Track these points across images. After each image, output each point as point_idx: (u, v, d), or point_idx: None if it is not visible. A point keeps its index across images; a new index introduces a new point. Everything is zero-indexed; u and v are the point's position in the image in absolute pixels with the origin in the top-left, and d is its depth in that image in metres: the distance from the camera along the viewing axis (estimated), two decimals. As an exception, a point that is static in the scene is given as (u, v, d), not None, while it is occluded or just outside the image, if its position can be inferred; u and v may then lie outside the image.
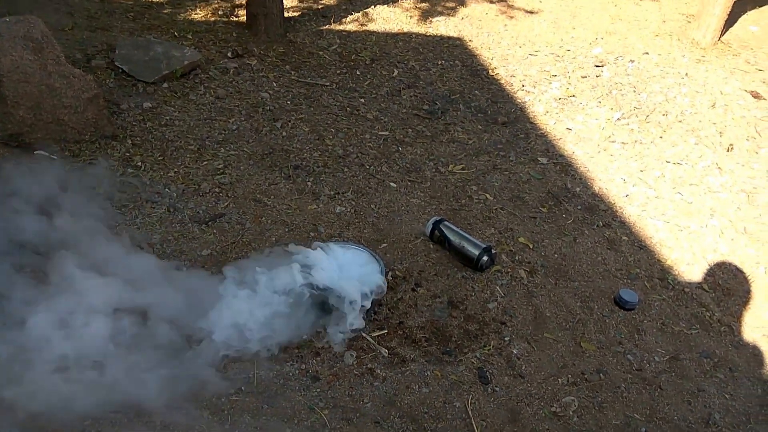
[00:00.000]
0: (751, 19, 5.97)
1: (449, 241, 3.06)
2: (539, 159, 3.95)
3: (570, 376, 2.60)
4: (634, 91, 4.73)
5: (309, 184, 3.42)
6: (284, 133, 3.79)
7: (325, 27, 5.09)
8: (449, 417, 2.35)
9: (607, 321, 2.90)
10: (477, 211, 3.44)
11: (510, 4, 5.88)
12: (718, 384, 2.69)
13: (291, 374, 2.39)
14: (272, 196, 3.27)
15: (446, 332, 2.70)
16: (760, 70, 5.15)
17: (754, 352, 2.88)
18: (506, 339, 2.71)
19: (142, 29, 4.43)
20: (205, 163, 3.40)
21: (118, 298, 2.40)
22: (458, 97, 4.52)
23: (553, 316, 2.87)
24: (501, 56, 5.09)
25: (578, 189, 3.73)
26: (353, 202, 3.34)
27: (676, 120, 4.45)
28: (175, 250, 2.81)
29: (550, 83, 4.77)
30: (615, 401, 2.54)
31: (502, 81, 4.78)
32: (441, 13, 5.58)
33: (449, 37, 5.27)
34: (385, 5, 5.54)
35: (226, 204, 3.15)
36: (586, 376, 2.61)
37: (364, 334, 2.61)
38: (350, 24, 5.21)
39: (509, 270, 3.07)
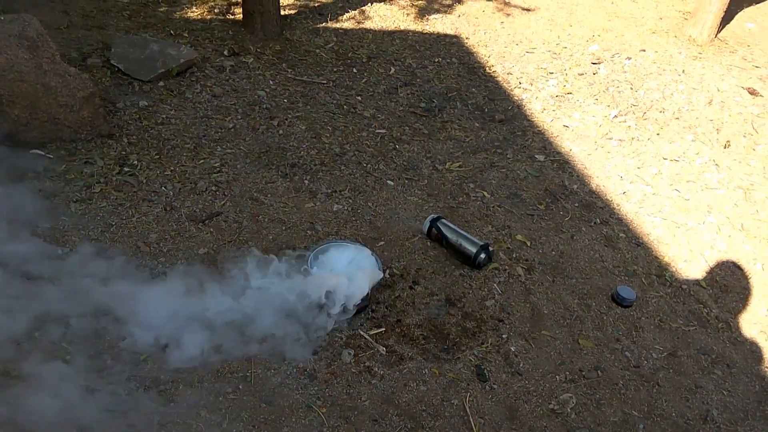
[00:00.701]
0: (747, 15, 5.98)
1: (447, 239, 3.05)
2: (536, 156, 3.95)
3: (568, 373, 2.60)
4: (631, 89, 4.73)
5: (306, 182, 3.41)
6: (281, 132, 3.78)
7: (321, 25, 5.07)
8: (447, 415, 2.35)
9: (605, 318, 2.90)
10: (474, 208, 3.44)
11: (506, 1, 5.88)
12: (715, 380, 2.70)
13: (288, 372, 2.39)
14: (269, 195, 3.26)
15: (444, 330, 2.69)
16: (756, 66, 5.16)
17: (752, 348, 2.88)
18: (504, 336, 2.71)
19: (138, 27, 4.41)
20: (202, 161, 3.39)
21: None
22: (455, 94, 4.51)
23: (550, 313, 2.87)
24: (498, 54, 5.08)
25: (575, 186, 3.72)
26: (350, 200, 3.34)
27: (673, 117, 4.45)
28: (171, 249, 2.80)
29: (547, 81, 4.77)
30: (613, 398, 2.54)
31: (499, 78, 4.77)
32: (437, 11, 5.57)
33: (446, 35, 5.26)
34: (382, 3, 5.53)
35: (222, 202, 3.14)
36: (584, 373, 2.61)
37: (361, 332, 2.60)
38: (347, 22, 5.19)
39: (507, 267, 3.07)
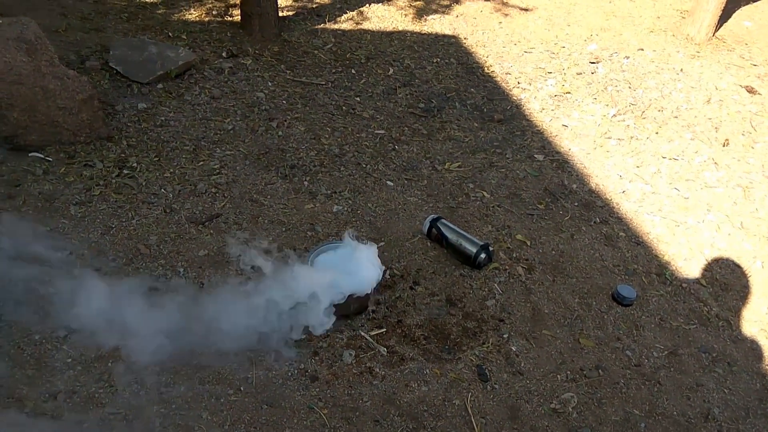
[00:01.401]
0: (745, 14, 5.99)
1: (447, 239, 3.05)
2: (536, 156, 3.95)
3: (569, 372, 2.60)
4: (630, 88, 4.73)
5: (305, 183, 3.41)
6: (280, 133, 3.78)
7: (319, 26, 5.07)
8: (449, 415, 2.35)
9: (606, 317, 2.90)
10: (474, 208, 3.44)
11: (504, 1, 5.88)
12: (716, 379, 2.70)
13: (290, 374, 2.39)
14: (269, 196, 3.26)
15: (445, 330, 2.69)
16: (754, 65, 5.16)
17: (753, 346, 2.89)
18: (505, 336, 2.71)
19: (137, 30, 4.41)
20: (201, 163, 3.39)
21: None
22: (454, 95, 4.52)
23: (551, 312, 2.87)
24: (496, 54, 5.08)
25: (575, 186, 3.73)
26: (350, 201, 3.34)
27: (672, 116, 4.46)
28: (171, 251, 2.80)
29: (546, 80, 4.77)
30: (614, 397, 2.54)
31: (498, 78, 4.78)
32: (436, 12, 5.57)
33: (444, 35, 5.26)
34: (380, 4, 5.54)
35: (222, 204, 3.14)
36: (585, 372, 2.61)
37: (362, 333, 2.60)
38: (345, 23, 5.20)
39: (507, 267, 3.07)
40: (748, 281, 3.23)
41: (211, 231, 2.96)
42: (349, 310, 2.64)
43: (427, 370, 2.50)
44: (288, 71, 4.41)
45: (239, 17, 4.77)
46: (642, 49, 5.26)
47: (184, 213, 3.03)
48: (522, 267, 3.08)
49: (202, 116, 3.75)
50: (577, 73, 4.88)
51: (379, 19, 5.34)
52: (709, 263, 3.30)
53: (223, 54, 4.37)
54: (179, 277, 2.68)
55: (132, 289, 2.52)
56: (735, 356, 2.82)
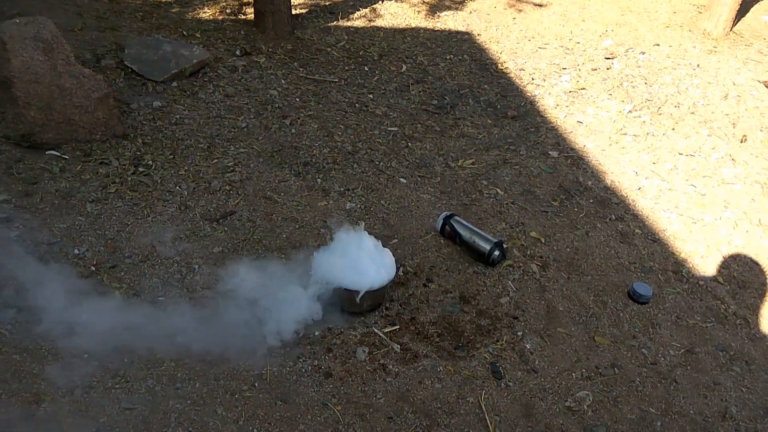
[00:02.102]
0: (763, 8, 5.90)
1: (460, 236, 3.04)
2: (550, 153, 3.93)
3: (584, 370, 2.58)
4: (646, 83, 4.68)
5: (319, 180, 3.42)
6: (293, 130, 3.79)
7: (332, 23, 5.08)
8: (462, 412, 2.34)
9: (621, 315, 2.88)
10: (488, 205, 3.42)
11: (518, -3, 5.84)
12: (734, 377, 2.66)
13: (304, 370, 2.39)
14: (282, 193, 3.27)
15: (458, 327, 2.68)
16: (773, 59, 5.09)
17: (771, 344, 2.85)
18: (519, 334, 2.69)
19: (151, 28, 4.44)
20: (215, 161, 3.40)
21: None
22: (467, 91, 4.50)
23: (566, 310, 2.85)
24: (510, 50, 5.05)
25: (590, 182, 3.70)
26: (363, 198, 3.34)
27: (689, 111, 4.40)
28: (187, 248, 2.82)
29: (560, 76, 4.74)
30: (630, 395, 2.51)
31: (512, 75, 4.75)
32: (449, 8, 5.55)
33: (457, 32, 5.24)
34: (393, 1, 5.52)
35: (236, 201, 3.15)
36: (600, 370, 2.59)
37: (375, 330, 2.60)
38: (358, 20, 5.19)
39: (521, 264, 3.05)
40: (766, 279, 3.18)
41: (226, 228, 2.98)
42: (362, 307, 2.65)
43: (441, 368, 2.49)
44: (301, 69, 4.41)
45: (253, 15, 4.79)
46: (658, 45, 5.20)
47: (199, 210, 3.05)
48: (536, 264, 3.07)
49: (216, 114, 3.77)
50: (592, 69, 4.83)
51: (392, 16, 5.33)
52: (726, 260, 3.26)
53: (237, 52, 4.38)
54: (194, 274, 2.70)
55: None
56: (753, 355, 2.78)
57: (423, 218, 3.26)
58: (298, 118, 3.90)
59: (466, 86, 4.55)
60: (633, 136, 4.13)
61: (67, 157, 3.17)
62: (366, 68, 4.59)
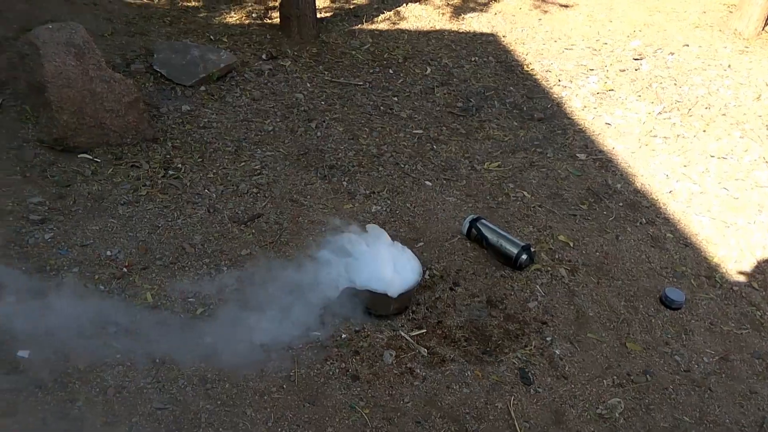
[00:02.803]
0: (797, 7, 5.75)
1: (487, 240, 3.02)
2: (578, 155, 3.88)
3: (615, 377, 2.54)
4: (675, 84, 4.60)
5: (344, 183, 3.42)
6: (319, 133, 3.80)
7: (357, 27, 5.09)
8: (491, 418, 2.32)
9: (653, 321, 2.82)
10: (514, 208, 3.39)
11: (544, -2, 5.79)
12: (771, 386, 2.60)
13: (331, 373, 2.39)
14: (308, 196, 3.28)
15: (486, 332, 2.66)
16: (808, 59, 4.96)
17: (809, 352, 2.77)
18: (548, 339, 2.66)
19: (179, 33, 4.50)
20: (243, 164, 3.43)
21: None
22: (493, 93, 4.47)
23: (596, 315, 2.81)
24: (536, 51, 5.01)
25: (619, 185, 3.64)
26: (388, 201, 3.33)
27: (720, 113, 4.32)
28: (215, 251, 2.84)
29: (588, 77, 4.68)
30: (663, 403, 2.46)
31: (538, 76, 4.71)
32: (473, 10, 5.52)
33: (482, 34, 5.22)
34: (417, 3, 5.52)
35: (263, 204, 3.17)
36: (632, 377, 2.55)
37: (402, 333, 2.59)
38: (382, 23, 5.20)
39: (549, 269, 3.02)
40: (803, 285, 3.10)
41: (253, 230, 3.00)
42: (389, 310, 2.64)
43: (469, 372, 2.47)
44: (326, 72, 4.43)
45: (278, 20, 4.82)
46: (687, 45, 5.11)
47: (227, 213, 3.08)
48: (565, 268, 3.03)
49: (243, 117, 3.81)
50: (620, 70, 4.77)
51: (416, 18, 5.32)
52: (760, 265, 3.18)
53: (263, 56, 4.42)
54: (222, 276, 2.72)
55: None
56: (791, 363, 2.71)
57: (449, 221, 3.24)
58: (324, 121, 3.92)
59: (492, 88, 4.52)
60: (663, 138, 4.06)
61: (98, 160, 3.22)
62: (390, 71, 4.59)
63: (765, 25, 5.33)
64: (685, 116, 4.27)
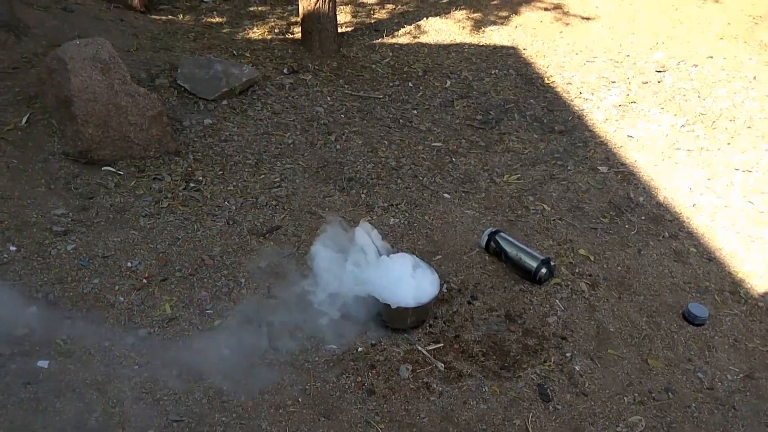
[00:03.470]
0: (826, 17, 5.64)
1: (506, 253, 2.99)
2: (599, 168, 3.83)
3: (636, 394, 2.48)
4: (699, 97, 4.53)
5: (363, 196, 3.43)
6: (338, 146, 3.82)
7: (377, 41, 5.13)
8: (509, 434, 2.29)
9: (676, 337, 2.76)
10: (534, 222, 3.36)
11: (565, 11, 5.77)
12: (800, 406, 2.51)
13: (347, 387, 2.39)
14: (327, 209, 3.30)
15: (504, 347, 2.63)
16: (837, 70, 4.85)
17: (840, 372, 2.68)
18: (567, 355, 2.62)
19: (203, 48, 4.58)
20: (263, 176, 3.46)
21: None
22: (513, 106, 4.45)
23: (617, 331, 2.76)
24: (557, 64, 4.98)
25: (641, 198, 3.59)
26: (407, 214, 3.33)
27: (745, 125, 4.23)
28: (234, 262, 2.86)
29: (609, 90, 4.64)
30: (685, 422, 2.40)
31: (559, 89, 4.68)
32: (494, 23, 5.53)
33: (502, 47, 5.21)
34: (437, 17, 5.54)
35: (282, 216, 3.20)
36: (653, 394, 2.49)
37: (419, 347, 2.58)
38: (402, 37, 5.23)
39: (569, 283, 2.97)
40: (834, 302, 3.00)
41: (272, 242, 3.02)
42: (406, 323, 2.63)
43: (486, 388, 2.44)
44: (346, 86, 4.47)
45: (300, 34, 4.88)
46: (711, 57, 5.03)
47: (246, 225, 3.10)
48: (585, 283, 2.98)
49: (263, 131, 3.85)
50: (643, 83, 4.72)
51: (437, 32, 5.34)
52: (789, 282, 3.10)
53: (285, 70, 4.47)
54: (240, 288, 2.74)
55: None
56: (820, 382, 2.62)
57: (467, 234, 3.22)
58: (343, 134, 3.94)
59: (512, 101, 4.50)
60: (686, 151, 3.99)
61: (122, 173, 3.29)
62: (410, 84, 4.60)
63: (792, 35, 5.23)
64: (709, 129, 4.20)
